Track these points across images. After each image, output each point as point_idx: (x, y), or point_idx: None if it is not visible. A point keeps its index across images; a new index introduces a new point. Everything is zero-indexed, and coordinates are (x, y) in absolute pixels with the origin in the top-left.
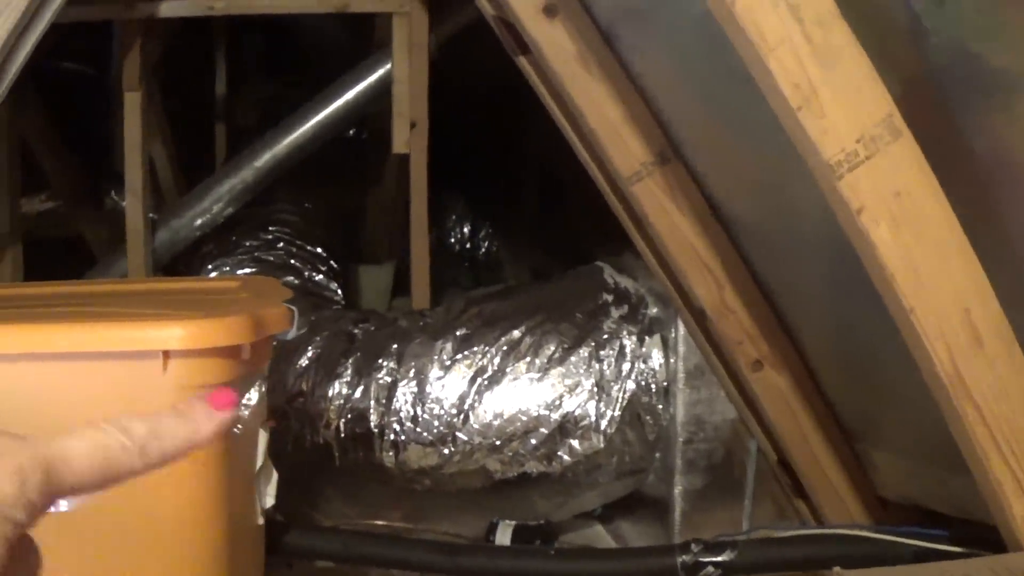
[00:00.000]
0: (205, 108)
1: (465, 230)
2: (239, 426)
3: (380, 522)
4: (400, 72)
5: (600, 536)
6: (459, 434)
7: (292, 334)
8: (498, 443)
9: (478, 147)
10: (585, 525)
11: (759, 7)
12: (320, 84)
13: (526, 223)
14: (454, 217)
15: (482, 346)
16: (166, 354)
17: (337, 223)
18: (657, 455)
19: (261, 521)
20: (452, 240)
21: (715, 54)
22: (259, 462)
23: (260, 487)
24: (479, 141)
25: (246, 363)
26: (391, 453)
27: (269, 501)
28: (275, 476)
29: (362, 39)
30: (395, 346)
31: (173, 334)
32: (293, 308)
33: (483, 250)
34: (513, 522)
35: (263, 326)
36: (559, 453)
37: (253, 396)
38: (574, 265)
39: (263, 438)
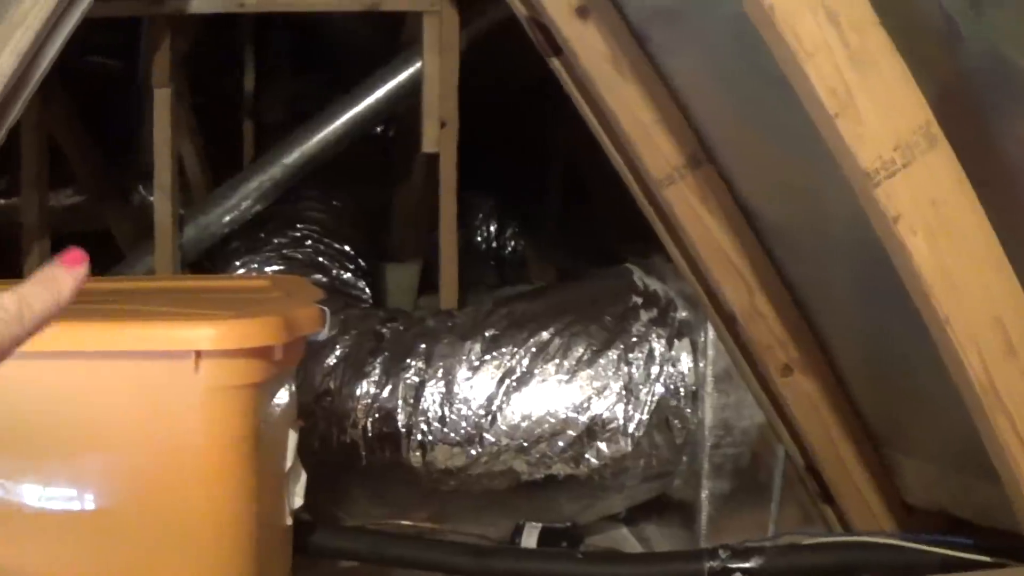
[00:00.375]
0: (231, 104)
1: (491, 229)
2: (268, 423)
3: (406, 522)
4: (430, 71)
5: (626, 539)
6: (486, 435)
7: (324, 335)
8: (525, 444)
9: (504, 146)
10: (611, 528)
11: (797, 13)
12: (347, 81)
13: (552, 223)
14: (480, 216)
15: (511, 347)
16: (198, 354)
17: (364, 221)
18: (684, 459)
19: (290, 521)
20: (478, 239)
21: (747, 56)
22: (289, 462)
23: (289, 487)
24: (505, 140)
25: (278, 363)
26: (418, 453)
27: (298, 501)
28: (304, 476)
29: (389, 36)
30: (423, 346)
31: (205, 334)
32: (325, 309)
33: (509, 249)
34: (539, 524)
35: (295, 327)
36: (586, 455)
37: (284, 396)
38: (600, 266)
39: (293, 438)
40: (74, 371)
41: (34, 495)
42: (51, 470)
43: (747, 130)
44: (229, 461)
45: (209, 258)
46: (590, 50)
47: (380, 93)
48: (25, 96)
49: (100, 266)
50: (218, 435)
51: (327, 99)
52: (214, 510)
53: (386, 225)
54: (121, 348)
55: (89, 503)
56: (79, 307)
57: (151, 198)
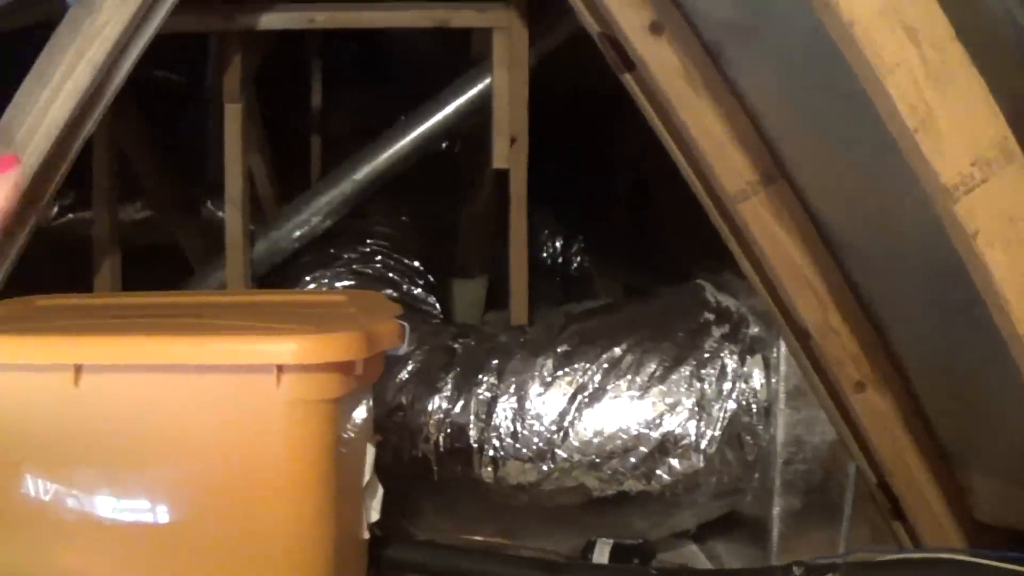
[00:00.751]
0: (297, 118)
1: (557, 245)
2: (348, 437)
3: (477, 537)
4: (500, 88)
5: (695, 556)
6: (558, 451)
7: (404, 350)
8: (597, 461)
9: (570, 161)
10: (680, 545)
11: (877, 29)
12: (411, 96)
13: (618, 238)
14: (546, 232)
15: (583, 363)
16: (280, 368)
17: (432, 236)
18: (755, 475)
19: (366, 535)
20: (544, 255)
21: (821, 71)
22: (366, 476)
23: (366, 501)
24: (571, 155)
25: (359, 378)
26: (490, 469)
27: (374, 516)
28: (380, 491)
29: (454, 51)
30: (496, 361)
31: (288, 348)
32: (405, 324)
33: (575, 265)
34: (611, 540)
35: (376, 342)
36: (658, 472)
37: (362, 411)
38: (668, 282)
39: (370, 452)
40: (154, 384)
41: (109, 506)
42: (127, 482)
43: (820, 145)
44: (309, 476)
45: (279, 273)
46: (664, 66)
47: (449, 109)
48: (100, 109)
49: (169, 280)
50: (298, 449)
51: (391, 114)
52: (293, 525)
53: (452, 240)
54: (203, 362)
55: (165, 516)
56: (158, 321)
57: (219, 212)
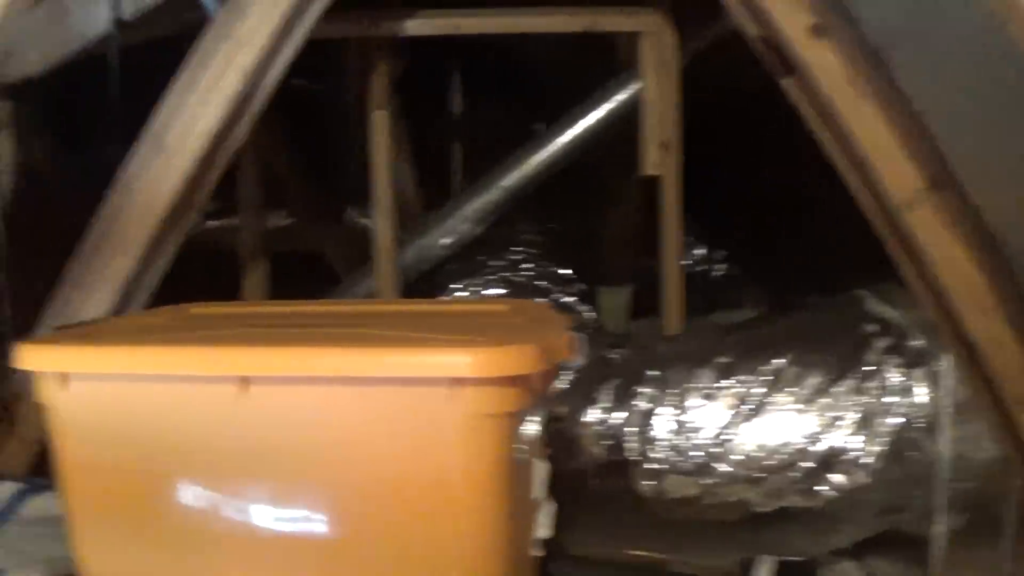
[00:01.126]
0: (436, 125)
1: (700, 252)
2: (521, 452)
3: (636, 552)
4: (650, 93)
5: (852, 574)
6: (718, 465)
7: (578, 362)
8: (758, 475)
9: (713, 165)
10: (835, 562)
11: None
12: (544, 105)
13: (766, 246)
14: (691, 238)
15: (744, 375)
16: (457, 381)
17: (578, 244)
18: (918, 492)
19: (536, 552)
20: (688, 262)
21: (992, 74)
22: (537, 491)
23: (537, 517)
24: (714, 158)
25: (534, 392)
26: (649, 482)
27: (543, 532)
28: (550, 506)
29: (588, 59)
30: (655, 372)
31: (465, 361)
32: (581, 336)
33: (720, 273)
34: (773, 558)
35: (552, 354)
36: (820, 487)
37: (535, 425)
38: (821, 292)
39: (541, 467)
40: (322, 396)
41: (269, 518)
42: (289, 494)
43: (991, 152)
44: (484, 492)
45: (425, 280)
46: (827, 70)
47: (597, 115)
48: (250, 116)
49: (311, 287)
50: (474, 464)
51: (526, 122)
52: (466, 541)
53: (594, 248)
54: (377, 374)
55: (327, 529)
56: (319, 331)
57: (361, 220)
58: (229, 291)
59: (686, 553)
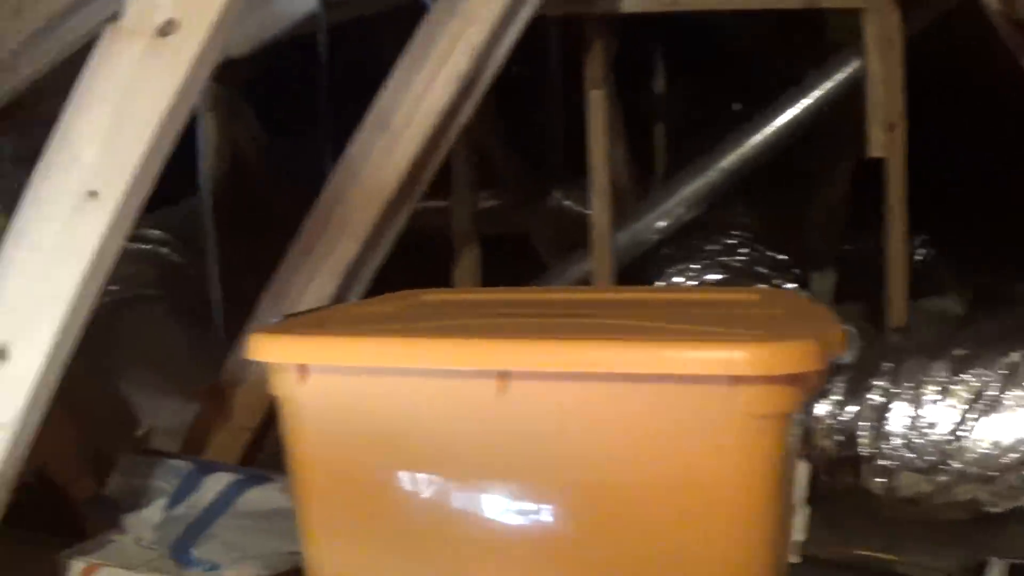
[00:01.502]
0: (637, 106)
1: None
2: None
3: (863, 552)
4: (874, 72)
5: None
6: (952, 462)
7: (848, 359)
8: (991, 474)
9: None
10: None
11: None
12: (743, 86)
13: (973, 234)
14: None
15: (981, 369)
16: (736, 379)
17: (788, 228)
18: None
19: (793, 559)
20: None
21: None
22: (799, 494)
23: (794, 521)
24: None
25: (809, 391)
26: (880, 479)
27: (799, 536)
28: (808, 510)
29: (793, 37)
30: (888, 364)
31: (743, 358)
32: (852, 330)
33: (920, 259)
34: (1006, 560)
35: (828, 350)
36: None
37: (800, 424)
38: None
39: (803, 468)
40: (584, 392)
41: (518, 518)
42: (543, 491)
43: None
44: (755, 495)
45: (636, 265)
46: None
47: (815, 95)
48: (475, 97)
49: (514, 270)
50: (747, 467)
51: (725, 103)
52: (731, 545)
53: (805, 232)
54: (656, 371)
55: (580, 530)
56: (571, 322)
57: (566, 202)
58: (436, 275)
59: (914, 553)
